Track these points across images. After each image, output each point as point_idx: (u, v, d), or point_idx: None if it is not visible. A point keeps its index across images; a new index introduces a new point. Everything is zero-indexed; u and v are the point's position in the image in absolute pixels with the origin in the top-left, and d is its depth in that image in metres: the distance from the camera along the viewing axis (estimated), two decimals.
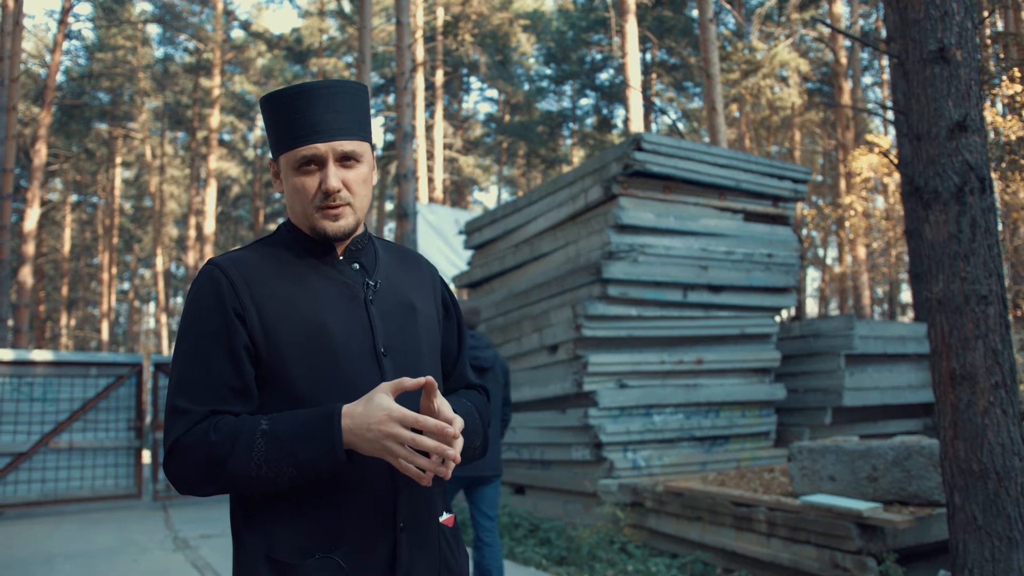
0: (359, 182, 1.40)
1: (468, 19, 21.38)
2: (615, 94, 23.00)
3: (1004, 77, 8.26)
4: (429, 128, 22.95)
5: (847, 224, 16.13)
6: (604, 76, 24.59)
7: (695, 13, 16.14)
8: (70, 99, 22.10)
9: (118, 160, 26.55)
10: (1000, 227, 8.52)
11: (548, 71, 26.26)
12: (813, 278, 26.53)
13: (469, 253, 10.02)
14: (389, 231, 27.85)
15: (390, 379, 1.35)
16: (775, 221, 7.69)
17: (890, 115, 14.28)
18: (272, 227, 29.79)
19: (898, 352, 7.67)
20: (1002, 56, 9.40)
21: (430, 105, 23.10)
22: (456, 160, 25.86)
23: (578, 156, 26.88)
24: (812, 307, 26.67)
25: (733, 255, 7.09)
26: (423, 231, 12.01)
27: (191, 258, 23.06)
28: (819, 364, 7.43)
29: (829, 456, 4.79)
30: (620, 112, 24.93)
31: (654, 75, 23.46)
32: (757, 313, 7.37)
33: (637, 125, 13.77)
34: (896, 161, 9.23)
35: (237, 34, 25.42)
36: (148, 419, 11.53)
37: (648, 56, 23.36)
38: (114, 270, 28.99)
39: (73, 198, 28.47)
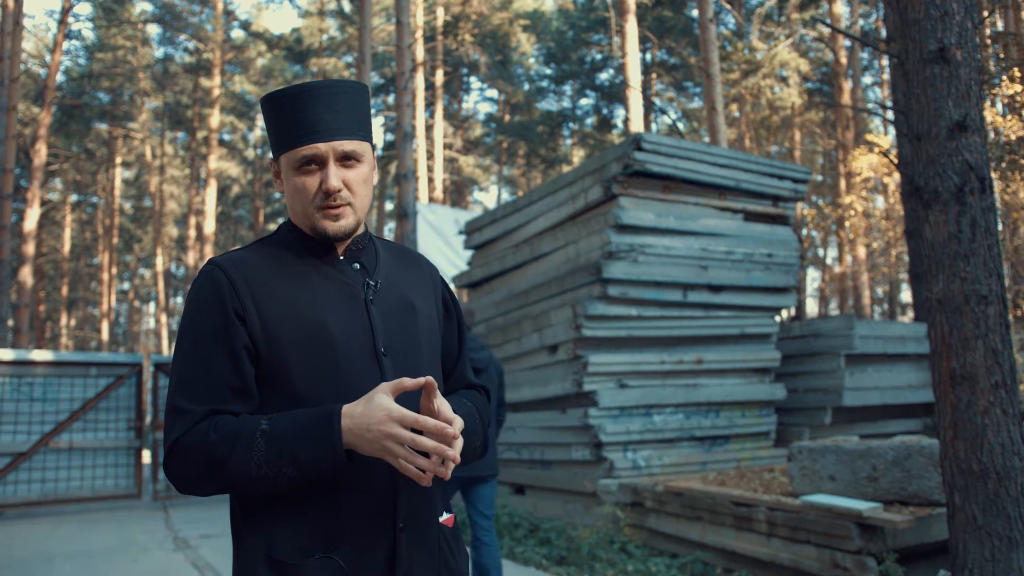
0: (360, 182, 1.40)
1: (468, 19, 21.38)
2: (615, 94, 23.01)
3: (1004, 77, 8.26)
4: (429, 128, 22.95)
5: (847, 224, 16.13)
6: (604, 76, 24.60)
7: (695, 13, 16.14)
8: (70, 99, 22.10)
9: (118, 160, 26.55)
10: (1000, 227, 8.52)
11: (548, 71, 26.27)
12: (813, 278, 26.54)
13: (469, 253, 10.02)
14: (389, 231, 27.85)
15: (390, 379, 1.35)
16: (775, 221, 7.69)
17: (890, 115, 14.28)
18: (272, 227, 29.79)
19: (898, 352, 7.67)
20: (1002, 56, 9.40)
21: (430, 105, 23.10)
22: (456, 160, 25.86)
23: (578, 156, 26.89)
24: (812, 307, 26.68)
25: (733, 255, 7.09)
26: (423, 231, 12.01)
27: (191, 258, 23.06)
28: (819, 364, 7.43)
29: (829, 456, 4.79)
30: (620, 112, 24.94)
31: (654, 75, 23.46)
32: (757, 313, 7.37)
33: (637, 125, 13.77)
34: (896, 161, 9.23)
35: (237, 34, 25.44)
36: (148, 419, 11.53)
37: (648, 56, 23.36)
38: (114, 270, 28.99)
39: (73, 198, 28.48)
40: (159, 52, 26.29)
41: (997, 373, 3.30)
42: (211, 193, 22.11)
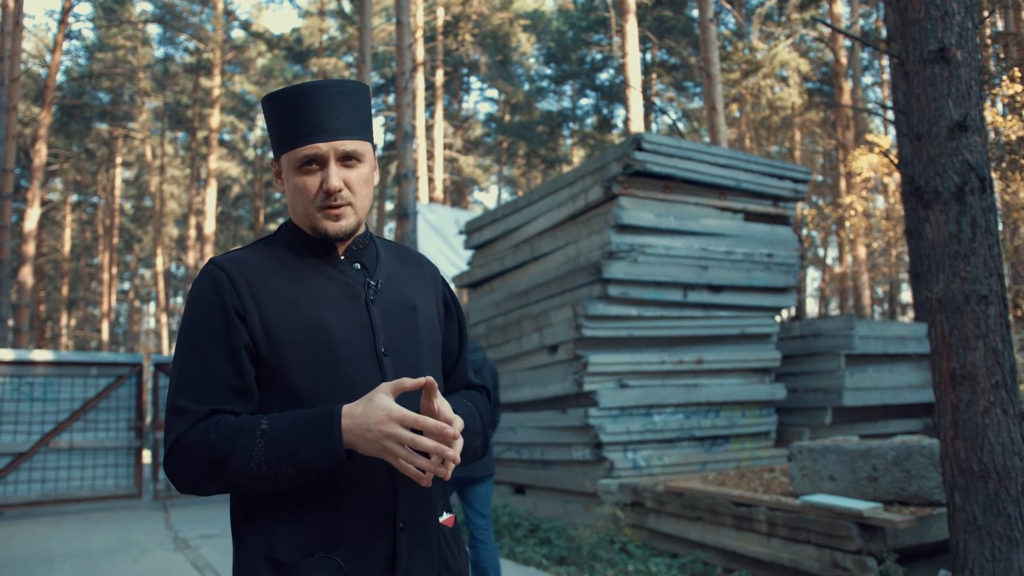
0: (360, 182, 1.40)
1: (468, 19, 21.38)
2: (615, 94, 23.01)
3: (1004, 77, 8.26)
4: (429, 128, 22.95)
5: (847, 224, 16.13)
6: (604, 76, 24.60)
7: (695, 13, 16.14)
8: (70, 99, 22.10)
9: (118, 160, 26.55)
10: (1000, 227, 8.52)
11: (548, 71, 26.27)
12: (813, 278, 26.54)
13: (469, 253, 10.02)
14: (389, 231, 27.85)
15: (390, 379, 1.35)
16: (775, 221, 7.69)
17: (890, 115, 14.28)
18: (272, 227, 29.79)
19: (898, 352, 7.67)
20: (1002, 56, 9.40)
21: (430, 105, 23.11)
22: (456, 160, 25.86)
23: (578, 156, 26.89)
24: (812, 307, 26.67)
25: (733, 255, 7.09)
26: (423, 231, 12.01)
27: (191, 258, 23.07)
28: (819, 364, 7.43)
29: (829, 456, 4.79)
30: (620, 112, 24.94)
31: (654, 75, 23.45)
32: (757, 313, 7.37)
33: (637, 125, 13.77)
34: (896, 161, 9.23)
35: (237, 34, 25.45)
36: (148, 419, 11.53)
37: (648, 56, 23.36)
38: (114, 270, 28.99)
39: (73, 198, 28.48)
40: (159, 52, 26.30)
41: (997, 373, 3.30)
42: (211, 193, 22.12)
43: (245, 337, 1.32)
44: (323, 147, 1.35)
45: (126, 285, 36.61)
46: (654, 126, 23.98)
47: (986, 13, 7.56)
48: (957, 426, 3.35)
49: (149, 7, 28.38)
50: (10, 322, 13.11)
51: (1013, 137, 8.08)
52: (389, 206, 27.62)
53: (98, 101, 24.21)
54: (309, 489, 1.30)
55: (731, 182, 7.18)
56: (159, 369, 10.46)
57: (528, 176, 29.60)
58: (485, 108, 41.89)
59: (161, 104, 26.19)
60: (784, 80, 18.30)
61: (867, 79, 23.75)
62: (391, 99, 23.87)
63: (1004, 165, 8.06)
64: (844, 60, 18.82)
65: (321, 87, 1.37)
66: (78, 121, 22.89)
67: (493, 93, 29.57)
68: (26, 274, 14.78)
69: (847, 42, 18.70)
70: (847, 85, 18.67)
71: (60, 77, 21.84)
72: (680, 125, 23.37)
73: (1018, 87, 7.99)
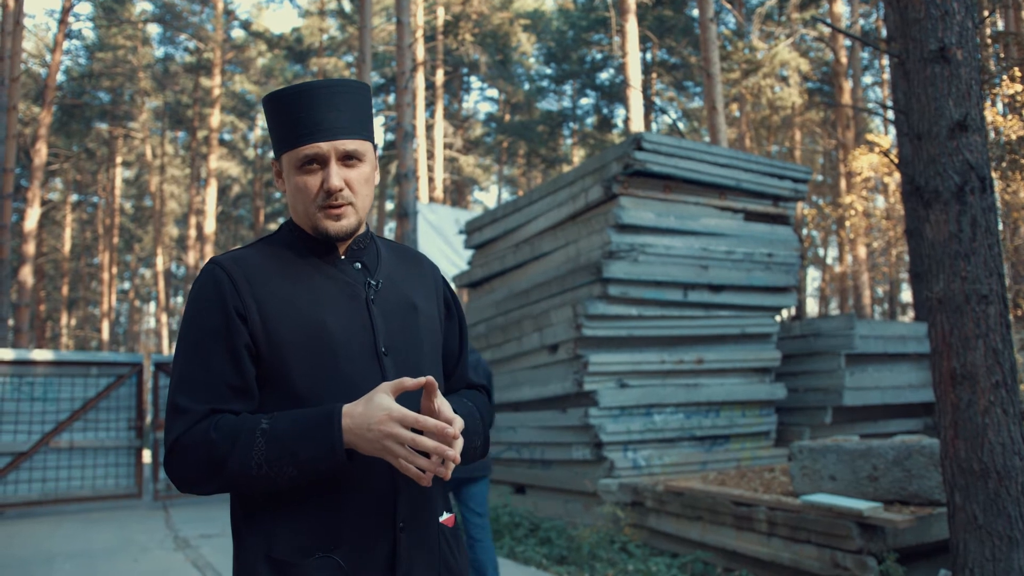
0: (361, 181, 1.40)
1: (468, 19, 21.38)
2: (615, 94, 23.00)
3: (1004, 76, 8.26)
4: (429, 128, 22.95)
5: (847, 224, 16.13)
6: (604, 76, 24.59)
7: (695, 12, 16.14)
8: (70, 99, 22.10)
9: (118, 160, 26.55)
10: (1000, 226, 8.52)
11: (548, 71, 26.26)
12: (813, 277, 26.54)
13: (469, 253, 10.02)
14: (389, 231, 27.84)
15: (391, 379, 1.35)
16: (775, 221, 7.68)
17: (890, 115, 14.27)
18: (272, 227, 29.79)
19: (898, 351, 7.67)
20: (1002, 55, 9.40)
21: (430, 105, 23.10)
22: (456, 159, 25.86)
23: (578, 156, 26.88)
24: (812, 307, 26.67)
25: (733, 254, 7.09)
26: (423, 231, 12.01)
27: (191, 258, 23.07)
28: (819, 363, 7.43)
29: (830, 455, 4.79)
30: (620, 112, 24.94)
31: (654, 75, 23.45)
32: (757, 313, 7.37)
33: (637, 125, 13.77)
34: (896, 160, 9.23)
35: (237, 34, 25.45)
36: (149, 419, 11.54)
37: (648, 56, 23.36)
38: (114, 270, 29.00)
39: (73, 198, 28.48)
40: (159, 52, 26.31)
41: (998, 372, 3.30)
42: (211, 193, 22.12)
43: (245, 336, 1.32)
44: (324, 146, 1.35)
45: (126, 285, 36.62)
46: (654, 126, 23.98)
47: (986, 13, 7.56)
48: (957, 426, 3.35)
49: (149, 7, 28.42)
50: (10, 322, 13.11)
51: (1013, 137, 8.08)
52: (389, 206, 27.62)
53: (98, 101, 24.22)
54: (309, 489, 1.30)
55: (731, 182, 7.18)
56: (159, 369, 10.46)
57: (528, 176, 29.60)
58: (485, 108, 41.91)
59: (161, 104, 26.19)
60: (784, 80, 18.30)
61: (867, 79, 23.76)
62: (391, 99, 23.87)
63: (1004, 165, 8.06)
64: (844, 60, 18.82)
65: (322, 87, 1.37)
66: (78, 121, 22.89)
67: (493, 93, 29.59)
68: (26, 274, 14.79)
69: (847, 42, 18.69)
70: (847, 85, 18.66)
71: (60, 77, 21.85)
72: (680, 125, 23.37)
73: (1018, 87, 7.99)
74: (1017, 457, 3.25)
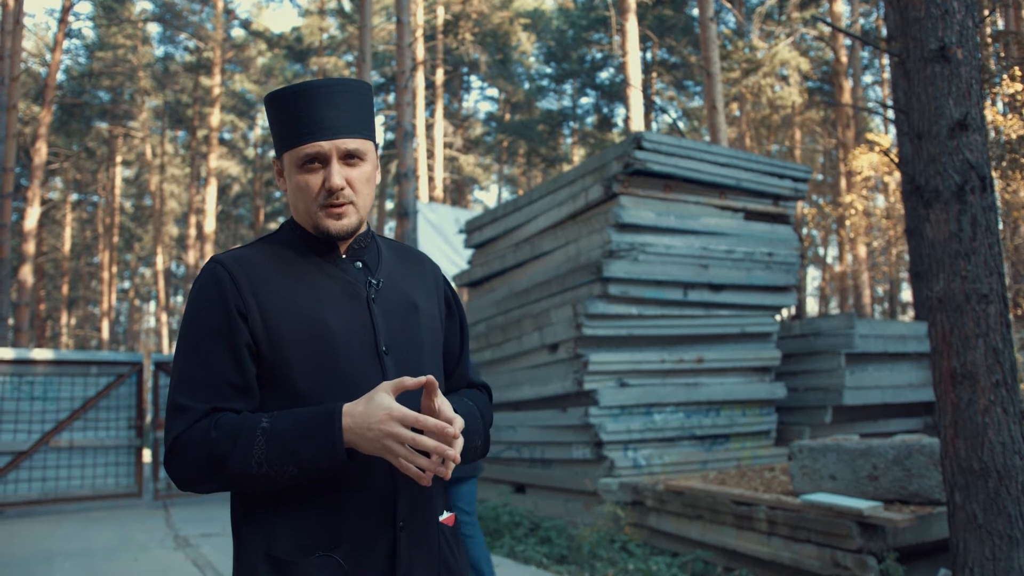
0: (362, 181, 1.40)
1: (468, 18, 21.37)
2: (615, 93, 23.00)
3: (1005, 76, 8.26)
4: (429, 127, 22.94)
5: (847, 223, 16.13)
6: (604, 75, 24.59)
7: (696, 12, 16.13)
8: (70, 98, 22.10)
9: (118, 159, 26.55)
10: (1001, 226, 8.52)
11: (548, 70, 26.26)
12: (813, 277, 26.54)
13: (469, 252, 10.02)
14: (389, 230, 27.83)
15: (391, 378, 1.35)
16: (776, 220, 7.68)
17: (891, 114, 14.27)
18: (273, 226, 29.79)
19: (899, 351, 7.67)
20: (1003, 55, 9.40)
21: (430, 104, 23.10)
22: (456, 159, 25.85)
23: (578, 155, 26.88)
24: (812, 306, 26.67)
25: (734, 254, 7.09)
26: (423, 230, 12.01)
27: (191, 257, 23.07)
28: (820, 363, 7.43)
29: (830, 455, 4.79)
30: (620, 111, 24.93)
31: (655, 74, 23.45)
32: (757, 312, 7.37)
33: (637, 124, 13.76)
34: (897, 160, 9.23)
35: (237, 33, 25.44)
36: (148, 418, 11.53)
37: (648, 55, 23.35)
38: (114, 269, 29.00)
39: (73, 197, 28.48)
40: (159, 51, 26.30)
41: (998, 372, 3.30)
42: (211, 192, 22.12)
43: (246, 335, 1.32)
44: (325, 145, 1.35)
45: (126, 284, 36.62)
46: (654, 125, 23.98)
47: (986, 12, 7.56)
48: (957, 425, 3.35)
49: (149, 6, 28.43)
50: (10, 321, 13.11)
51: (1013, 136, 8.08)
52: (389, 205, 27.61)
53: (98, 100, 24.21)
54: (309, 488, 1.30)
55: (731, 181, 7.18)
56: (159, 368, 10.46)
57: (528, 175, 29.60)
58: (485, 107, 41.88)
59: (161, 103, 26.19)
60: (784, 79, 18.29)
61: (867, 78, 23.75)
62: (391, 98, 23.86)
63: (1004, 164, 8.06)
64: (844, 59, 18.82)
65: (324, 86, 1.37)
66: (78, 120, 22.88)
67: (493, 92, 29.58)
68: (26, 273, 14.79)
69: (847, 41, 18.69)
70: (847, 84, 18.66)
71: (60, 76, 21.84)
72: (680, 124, 23.37)
73: (1018, 86, 7.99)
74: (1017, 456, 3.25)
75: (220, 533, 7.24)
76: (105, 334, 27.74)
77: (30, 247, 15.06)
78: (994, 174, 7.85)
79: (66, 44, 22.10)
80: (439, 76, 23.13)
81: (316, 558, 1.29)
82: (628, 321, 6.72)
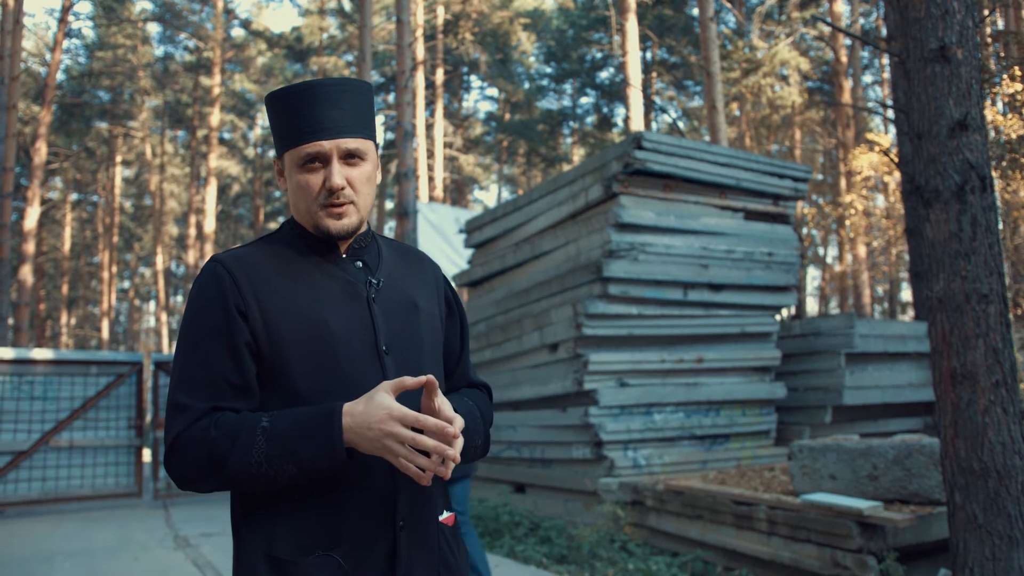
0: (363, 180, 1.40)
1: (468, 18, 21.37)
2: (615, 93, 23.00)
3: (1005, 76, 8.26)
4: (429, 127, 22.94)
5: (847, 223, 16.13)
6: (604, 75, 24.59)
7: (695, 12, 16.13)
8: (70, 97, 22.09)
9: (118, 159, 26.54)
10: (1001, 226, 8.52)
11: (548, 70, 26.25)
12: (813, 277, 26.54)
13: (469, 252, 10.02)
14: (389, 230, 27.83)
15: (391, 377, 1.35)
16: (776, 220, 7.68)
17: (890, 114, 14.27)
18: (272, 226, 29.79)
19: (898, 351, 7.67)
20: (1003, 55, 9.40)
21: (430, 104, 23.10)
22: (456, 159, 25.85)
23: (578, 155, 26.88)
24: (812, 306, 26.67)
25: (733, 253, 7.09)
26: (423, 230, 12.01)
27: (191, 257, 23.07)
28: (819, 363, 7.43)
29: (830, 455, 4.79)
30: (620, 111, 24.93)
31: (654, 74, 23.45)
32: (757, 312, 7.37)
33: (637, 124, 13.76)
34: (897, 160, 9.23)
35: (237, 33, 25.44)
36: (148, 418, 11.53)
37: (648, 55, 23.35)
38: (114, 269, 28.99)
39: (73, 196, 28.47)
40: (159, 51, 26.29)
41: (998, 372, 3.30)
42: (211, 191, 22.11)
43: (246, 334, 1.32)
44: (326, 145, 1.35)
45: (126, 284, 36.61)
46: (654, 125, 23.98)
47: (986, 12, 7.56)
48: (957, 425, 3.35)
49: (149, 6, 28.43)
50: (10, 320, 13.11)
51: (1013, 136, 8.08)
52: (389, 205, 27.60)
53: (98, 100, 24.21)
54: (309, 487, 1.30)
55: (731, 181, 7.18)
56: (159, 368, 10.46)
57: (528, 175, 29.59)
58: (485, 107, 41.86)
59: (161, 103, 26.18)
60: (784, 79, 18.30)
61: (867, 78, 23.75)
62: (391, 98, 23.86)
63: (1004, 164, 8.06)
64: (844, 59, 18.82)
65: (325, 85, 1.37)
66: (78, 120, 22.88)
67: (493, 92, 29.57)
68: (26, 273, 14.78)
69: (847, 41, 18.69)
70: (847, 84, 18.66)
71: (60, 76, 21.83)
72: (680, 124, 23.37)
73: (1018, 86, 7.99)
74: (1017, 456, 3.25)
75: (220, 533, 7.24)
76: (105, 334, 27.74)
77: (30, 247, 15.06)
78: (994, 174, 7.85)
79: (66, 44, 22.12)
80: (439, 76, 23.12)
81: (316, 558, 1.29)
82: (628, 321, 6.72)
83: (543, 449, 7.19)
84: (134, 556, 6.32)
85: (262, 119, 28.71)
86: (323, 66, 23.20)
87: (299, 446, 1.23)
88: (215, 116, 22.06)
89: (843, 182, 18.50)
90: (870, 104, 19.97)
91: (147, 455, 13.97)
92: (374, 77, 22.66)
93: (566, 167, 25.35)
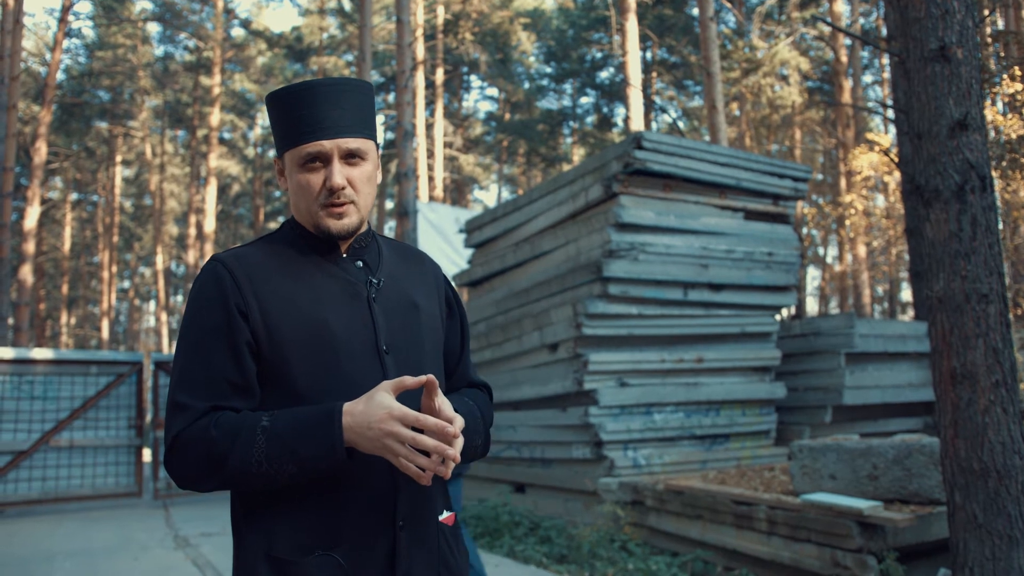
0: (363, 180, 1.40)
1: (468, 17, 21.37)
2: (615, 92, 23.00)
3: (1005, 75, 8.26)
4: (429, 126, 22.94)
5: (847, 223, 16.13)
6: (604, 74, 24.58)
7: (695, 11, 16.12)
8: (70, 97, 22.09)
9: (118, 158, 26.55)
10: (1000, 225, 8.52)
11: (548, 69, 26.25)
12: (813, 276, 26.53)
13: (469, 251, 10.02)
14: (389, 229, 27.82)
15: (391, 377, 1.35)
16: (776, 219, 7.68)
17: (891, 113, 14.27)
18: (272, 225, 29.79)
19: (898, 350, 7.67)
20: (1003, 54, 9.40)
21: (430, 103, 23.09)
22: (456, 158, 25.85)
23: (578, 154, 26.87)
24: (812, 305, 26.67)
25: (733, 253, 7.09)
26: (423, 229, 12.01)
27: (191, 256, 23.07)
28: (819, 362, 7.43)
29: (830, 454, 4.79)
30: (620, 110, 24.93)
31: (654, 73, 23.44)
32: (757, 311, 7.37)
33: (637, 123, 13.76)
34: (897, 159, 9.23)
35: (237, 32, 25.44)
36: (148, 417, 11.54)
37: (648, 54, 23.35)
38: (114, 268, 29.00)
39: (73, 196, 28.47)
40: (159, 50, 26.30)
41: (998, 372, 3.30)
42: (211, 191, 22.11)
43: (247, 334, 1.32)
44: (327, 144, 1.35)
45: (126, 283, 36.61)
46: (654, 124, 23.98)
47: (987, 12, 7.56)
48: (957, 425, 3.35)
49: (149, 5, 28.43)
50: (10, 320, 13.11)
51: (1013, 136, 8.08)
52: (389, 205, 27.60)
53: (98, 99, 24.21)
54: (309, 487, 1.30)
55: (731, 181, 7.18)
56: (159, 367, 10.46)
57: (528, 175, 29.59)
58: (485, 106, 41.84)
59: (161, 102, 26.18)
60: (784, 79, 18.29)
61: (867, 78, 23.75)
62: (391, 97, 23.86)
63: (1004, 164, 8.06)
64: (844, 59, 18.82)
65: (325, 85, 1.37)
66: (78, 119, 22.88)
67: (493, 91, 29.57)
68: (26, 272, 14.78)
69: (847, 41, 18.69)
70: (847, 84, 18.66)
71: (60, 75, 21.83)
72: (680, 124, 23.37)
73: (1018, 86, 7.99)
74: (1017, 456, 3.25)
75: (220, 533, 7.24)
76: (105, 334, 27.74)
77: (30, 247, 15.05)
78: (994, 174, 7.85)
79: (66, 43, 22.11)
80: (439, 76, 23.12)
81: (316, 557, 1.29)
82: (628, 321, 6.72)
83: (543, 449, 7.19)
84: (134, 556, 6.32)
85: (262, 119, 28.71)
86: (323, 66, 23.19)
87: (299, 445, 1.24)
88: (215, 116, 22.07)
89: (843, 182, 18.50)
90: (870, 104, 19.97)
91: (147, 455, 13.96)
92: (374, 77, 22.66)
93: (566, 167, 25.35)
